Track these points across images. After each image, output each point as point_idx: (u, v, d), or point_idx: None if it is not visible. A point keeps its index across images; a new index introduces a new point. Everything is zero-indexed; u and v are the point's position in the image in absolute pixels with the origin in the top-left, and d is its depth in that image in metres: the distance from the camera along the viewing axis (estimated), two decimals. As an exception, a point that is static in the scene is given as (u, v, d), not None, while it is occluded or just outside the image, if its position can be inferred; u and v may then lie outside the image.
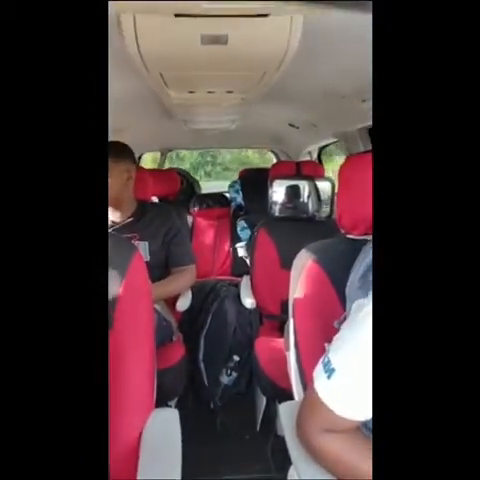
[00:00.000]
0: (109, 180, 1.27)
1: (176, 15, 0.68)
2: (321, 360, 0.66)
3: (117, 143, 1.42)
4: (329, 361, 0.63)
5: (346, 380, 0.61)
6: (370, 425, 0.67)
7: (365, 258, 0.74)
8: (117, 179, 1.38)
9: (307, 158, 2.63)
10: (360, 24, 0.68)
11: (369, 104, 1.30)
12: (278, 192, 1.81)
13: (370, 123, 1.60)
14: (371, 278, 0.69)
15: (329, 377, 0.62)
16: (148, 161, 3.38)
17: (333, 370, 0.62)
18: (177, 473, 0.65)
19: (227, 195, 2.71)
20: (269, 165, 2.13)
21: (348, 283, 0.77)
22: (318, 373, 0.65)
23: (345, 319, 0.69)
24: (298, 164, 1.91)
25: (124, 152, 1.43)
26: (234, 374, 1.72)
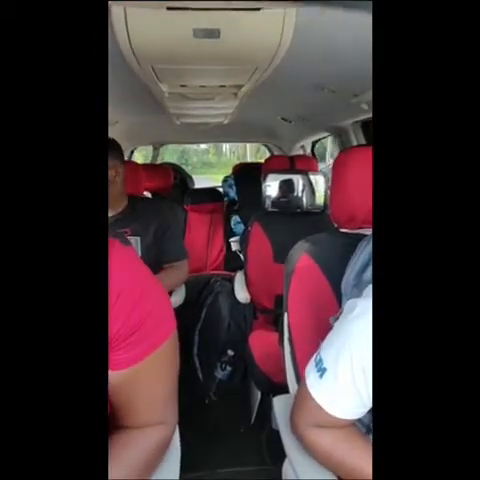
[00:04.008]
0: None
1: (168, 8, 0.67)
2: (313, 357, 0.66)
3: None
4: (321, 360, 0.63)
5: (337, 380, 0.61)
6: (365, 420, 0.67)
7: (360, 255, 0.74)
8: None
9: (300, 152, 2.63)
10: (354, 20, 0.69)
11: (360, 98, 1.31)
12: (272, 186, 1.81)
13: (362, 117, 1.60)
14: (365, 277, 0.70)
15: (321, 376, 0.63)
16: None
17: (325, 369, 0.62)
18: (176, 466, 0.65)
19: (220, 190, 2.70)
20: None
21: (344, 279, 0.77)
22: (310, 370, 0.66)
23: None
24: (291, 158, 1.91)
25: (110, 149, 1.38)
26: (229, 368, 1.73)
